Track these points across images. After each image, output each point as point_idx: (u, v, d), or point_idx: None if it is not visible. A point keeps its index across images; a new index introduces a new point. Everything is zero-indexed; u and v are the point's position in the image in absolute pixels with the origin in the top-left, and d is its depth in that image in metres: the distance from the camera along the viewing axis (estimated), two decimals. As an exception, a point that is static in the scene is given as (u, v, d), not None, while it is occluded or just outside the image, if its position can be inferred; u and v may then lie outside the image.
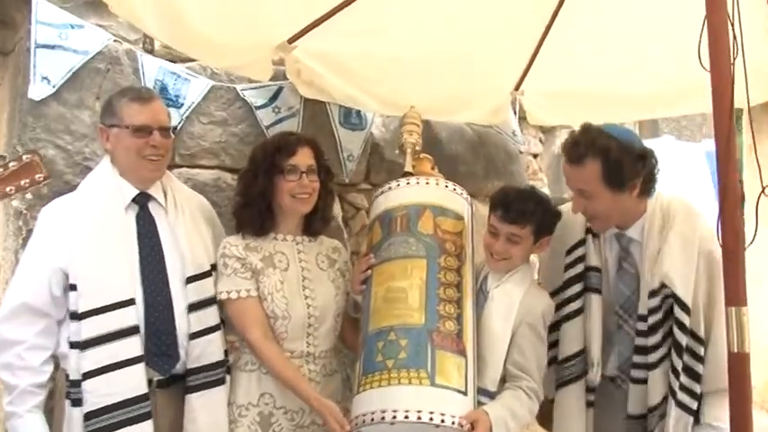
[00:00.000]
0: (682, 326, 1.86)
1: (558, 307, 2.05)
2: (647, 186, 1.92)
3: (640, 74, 2.78)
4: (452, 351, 1.83)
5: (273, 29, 2.36)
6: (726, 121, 1.48)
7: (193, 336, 1.94)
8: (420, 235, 2.00)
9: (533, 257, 2.20)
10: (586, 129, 1.92)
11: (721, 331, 1.63)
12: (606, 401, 2.05)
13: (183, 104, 2.51)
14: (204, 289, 1.98)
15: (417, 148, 2.32)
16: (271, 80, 2.61)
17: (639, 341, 1.95)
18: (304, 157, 2.07)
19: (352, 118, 2.94)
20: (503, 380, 1.93)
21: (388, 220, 2.07)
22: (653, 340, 1.92)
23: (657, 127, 5.32)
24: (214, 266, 2.04)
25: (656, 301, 1.91)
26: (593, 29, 2.62)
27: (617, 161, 1.84)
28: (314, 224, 2.17)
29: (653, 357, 1.92)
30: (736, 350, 1.49)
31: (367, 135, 2.99)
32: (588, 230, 2.05)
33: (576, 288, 2.05)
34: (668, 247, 1.89)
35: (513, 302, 1.96)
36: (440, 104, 2.91)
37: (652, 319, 1.91)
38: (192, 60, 2.59)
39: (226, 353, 2.04)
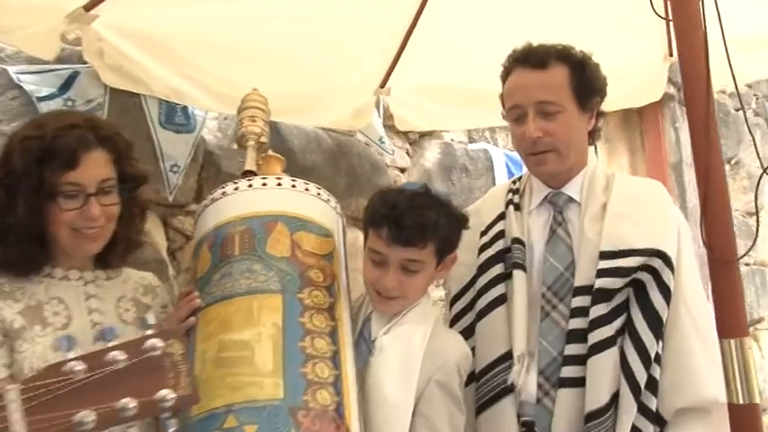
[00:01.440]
0: (665, 291, 1.45)
1: (472, 303, 1.61)
2: (596, 125, 1.62)
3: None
4: (331, 438, 1.21)
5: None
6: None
7: None
8: (270, 259, 1.37)
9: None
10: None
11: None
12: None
13: None
14: None
15: (263, 139, 1.68)
16: (60, 62, 2.00)
17: (575, 323, 1.49)
18: (93, 169, 1.35)
19: (177, 117, 2.32)
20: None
21: (220, 241, 1.41)
22: (598, 312, 1.46)
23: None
24: None
25: (609, 264, 1.48)
26: (468, 18, 2.35)
27: (584, 66, 1.57)
28: (113, 252, 1.46)
29: (597, 336, 1.45)
30: (742, 401, 1.04)
31: (197, 139, 2.35)
32: (508, 204, 1.67)
33: (496, 269, 1.61)
34: (626, 202, 1.56)
35: (414, 353, 1.39)
36: (290, 104, 2.39)
37: (602, 283, 1.46)
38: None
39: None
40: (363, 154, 2.91)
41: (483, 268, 1.63)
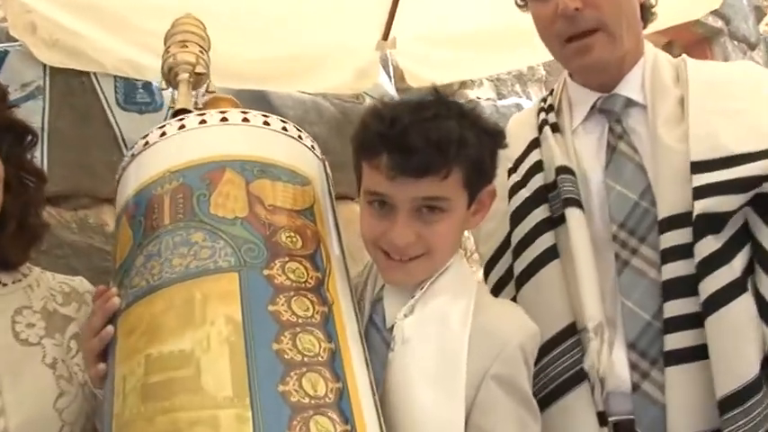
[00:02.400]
0: None
1: (512, 267, 1.18)
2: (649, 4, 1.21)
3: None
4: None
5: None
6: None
7: None
8: (218, 223, 0.90)
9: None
10: None
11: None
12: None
13: None
14: None
15: (200, 70, 1.24)
16: (-18, 40, 1.77)
17: (673, 269, 1.06)
18: None
19: (138, 95, 2.00)
20: None
21: (143, 209, 0.96)
22: (707, 248, 1.03)
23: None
24: None
25: (710, 178, 1.06)
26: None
27: None
28: (8, 243, 1.10)
29: (714, 283, 1.02)
30: None
31: (166, 119, 1.99)
32: (542, 126, 1.26)
33: (539, 214, 1.18)
34: (714, 93, 1.14)
35: (456, 339, 0.91)
36: (281, 70, 2.14)
37: (706, 205, 1.04)
38: None
39: None
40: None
41: (519, 215, 1.20)
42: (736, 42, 4.11)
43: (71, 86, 1.86)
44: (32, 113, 1.77)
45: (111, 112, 1.92)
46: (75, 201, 1.89)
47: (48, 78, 1.83)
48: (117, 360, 0.87)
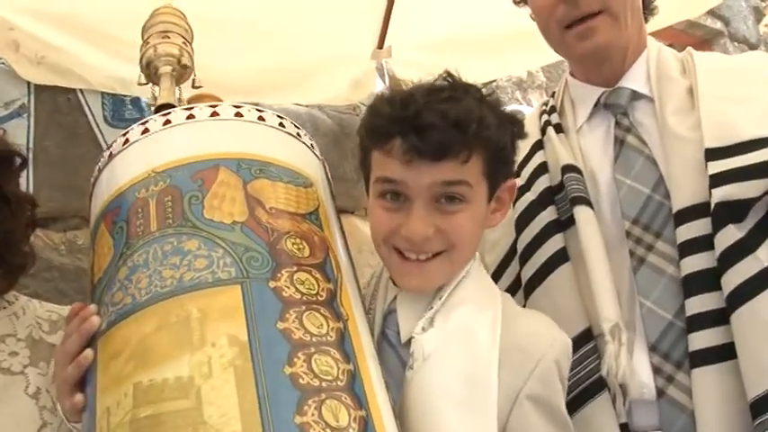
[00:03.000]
0: None
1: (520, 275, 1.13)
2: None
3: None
4: None
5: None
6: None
7: None
8: (214, 229, 0.79)
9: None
10: None
11: None
12: None
13: None
14: None
15: (185, 62, 1.15)
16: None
17: (693, 263, 0.99)
18: None
19: (127, 111, 1.96)
20: None
21: (125, 214, 0.85)
22: (729, 238, 0.96)
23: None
24: None
25: (728, 164, 0.99)
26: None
27: None
28: None
29: (738, 275, 0.95)
30: None
31: (158, 134, 1.93)
32: (545, 127, 1.21)
33: (546, 216, 1.12)
34: (724, 80, 1.10)
35: (483, 355, 0.81)
36: (273, 82, 2.09)
37: (726, 193, 0.97)
38: None
39: None
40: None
41: (525, 220, 1.15)
42: (736, 44, 4.07)
43: (57, 104, 1.82)
44: (17, 133, 1.73)
45: (99, 129, 1.88)
46: (64, 222, 1.85)
47: (32, 96, 1.80)
48: (99, 389, 0.75)
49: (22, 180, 1.21)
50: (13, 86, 1.77)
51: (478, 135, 0.82)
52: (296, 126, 0.98)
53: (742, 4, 4.14)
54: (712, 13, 3.86)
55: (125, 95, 1.89)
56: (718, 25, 3.98)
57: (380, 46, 2.19)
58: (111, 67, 1.79)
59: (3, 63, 1.73)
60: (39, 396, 1.02)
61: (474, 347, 0.83)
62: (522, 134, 0.94)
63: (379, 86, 2.33)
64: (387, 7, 2.05)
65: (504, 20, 2.02)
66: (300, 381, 0.70)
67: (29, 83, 1.78)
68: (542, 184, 1.14)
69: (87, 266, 0.92)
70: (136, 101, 1.92)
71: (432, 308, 0.87)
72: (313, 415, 0.68)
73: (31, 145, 1.84)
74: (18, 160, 1.08)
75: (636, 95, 1.13)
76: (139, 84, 1.18)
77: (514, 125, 0.92)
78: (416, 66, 2.30)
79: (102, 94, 1.88)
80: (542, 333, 0.88)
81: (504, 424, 0.80)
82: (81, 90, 1.85)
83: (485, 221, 0.92)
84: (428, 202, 0.84)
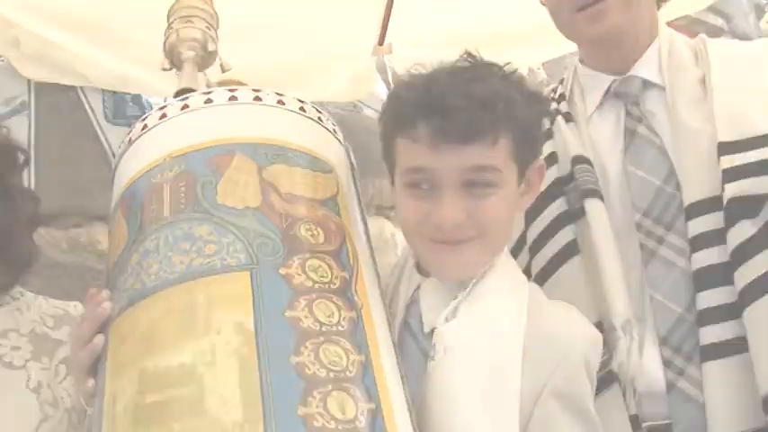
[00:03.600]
0: None
1: (529, 266, 1.11)
2: None
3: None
4: None
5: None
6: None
7: None
8: (226, 214, 0.78)
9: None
10: None
11: None
12: None
13: None
14: None
15: (211, 48, 1.14)
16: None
17: (705, 257, 0.99)
18: None
19: (128, 108, 2.00)
20: None
21: (139, 200, 0.84)
22: (743, 233, 0.97)
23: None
24: None
25: (742, 159, 0.99)
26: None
27: None
28: None
29: (751, 271, 0.95)
30: None
31: (159, 132, 1.96)
32: (553, 116, 1.19)
33: (555, 208, 1.11)
34: (738, 70, 1.08)
35: (508, 347, 0.79)
36: (272, 79, 1.99)
37: (739, 188, 0.98)
38: None
39: None
40: (374, 128, 2.37)
41: (534, 211, 1.12)
42: (737, 40, 4.08)
43: (57, 101, 1.89)
44: (18, 130, 1.76)
45: (100, 126, 1.93)
46: (66, 219, 1.86)
47: (33, 94, 1.87)
48: (107, 375, 0.75)
49: (24, 177, 1.23)
50: (14, 84, 1.84)
51: (506, 114, 0.81)
52: (318, 110, 0.97)
53: (743, 1, 4.14)
54: (713, 9, 3.86)
55: (126, 93, 1.95)
56: (720, 22, 3.98)
57: (381, 42, 2.20)
58: (110, 65, 1.84)
59: (3, 60, 1.81)
60: (40, 390, 1.04)
61: (498, 339, 0.81)
62: (548, 112, 0.94)
63: (380, 83, 2.35)
64: (387, 4, 2.07)
65: (504, 16, 2.06)
66: (307, 371, 0.68)
67: (29, 80, 1.84)
68: (552, 174, 1.12)
69: (106, 250, 0.94)
70: (137, 98, 1.97)
71: (456, 297, 0.85)
72: (318, 406, 0.66)
73: (31, 142, 1.88)
74: (21, 156, 1.10)
75: (647, 84, 1.12)
76: (163, 69, 1.18)
77: (541, 103, 0.91)
78: (417, 62, 2.38)
79: (103, 91, 1.93)
80: (570, 325, 0.86)
81: (527, 418, 0.79)
82: (81, 87, 1.90)
83: (516, 205, 0.90)
84: (457, 188, 0.82)
